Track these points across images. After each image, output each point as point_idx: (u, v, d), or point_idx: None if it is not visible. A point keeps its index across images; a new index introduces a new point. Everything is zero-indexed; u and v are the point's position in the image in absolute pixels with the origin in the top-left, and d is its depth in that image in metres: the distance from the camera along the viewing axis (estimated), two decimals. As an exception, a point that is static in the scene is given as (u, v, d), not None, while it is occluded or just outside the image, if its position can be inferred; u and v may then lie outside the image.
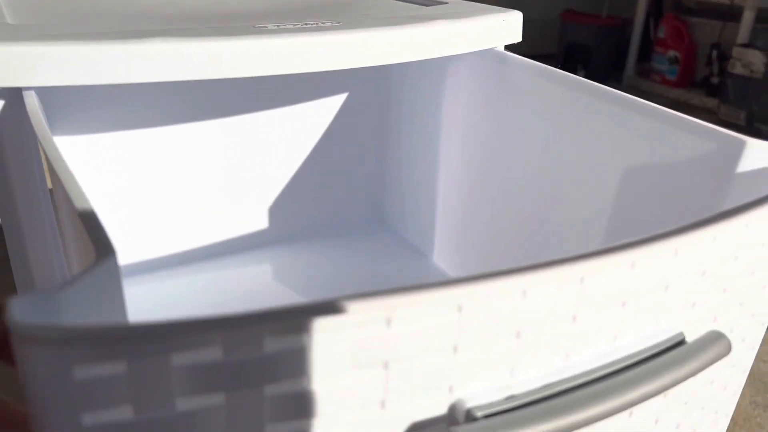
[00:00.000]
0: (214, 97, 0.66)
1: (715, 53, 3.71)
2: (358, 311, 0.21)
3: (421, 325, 0.22)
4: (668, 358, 0.27)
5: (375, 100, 0.74)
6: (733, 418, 1.28)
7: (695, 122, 0.39)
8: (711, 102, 3.52)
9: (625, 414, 0.30)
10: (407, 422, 0.24)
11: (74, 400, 0.19)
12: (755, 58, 3.16)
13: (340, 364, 0.22)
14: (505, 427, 0.23)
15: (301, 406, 0.22)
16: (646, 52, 4.13)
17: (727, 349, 0.28)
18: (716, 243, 0.28)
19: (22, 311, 0.17)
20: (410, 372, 0.23)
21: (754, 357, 0.39)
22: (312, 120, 0.72)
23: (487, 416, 0.24)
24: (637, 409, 0.30)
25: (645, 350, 0.27)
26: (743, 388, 1.19)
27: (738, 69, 3.24)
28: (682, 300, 0.29)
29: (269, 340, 0.20)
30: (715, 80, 3.69)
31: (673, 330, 0.29)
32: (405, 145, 0.74)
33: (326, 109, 0.72)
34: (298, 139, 0.73)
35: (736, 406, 1.22)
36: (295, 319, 0.20)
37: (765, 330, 0.38)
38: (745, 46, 3.27)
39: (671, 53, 3.78)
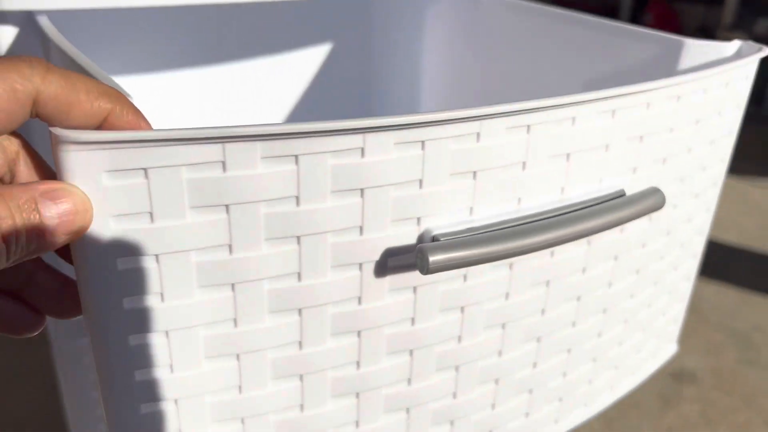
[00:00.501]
0: (205, 44, 0.69)
1: (700, 37, 3.73)
2: (336, 140, 0.25)
3: (390, 156, 0.26)
4: (609, 205, 0.31)
5: (358, 45, 0.78)
6: (718, 374, 1.32)
7: (642, 31, 0.43)
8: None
9: (581, 259, 0.34)
10: (382, 248, 0.28)
11: (105, 204, 0.23)
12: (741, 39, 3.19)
13: (323, 188, 0.26)
14: (465, 246, 0.27)
15: (291, 225, 0.26)
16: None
17: (662, 202, 0.32)
18: (650, 111, 0.32)
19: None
20: (383, 201, 0.27)
21: (693, 232, 0.43)
22: (298, 68, 0.76)
23: (449, 239, 0.28)
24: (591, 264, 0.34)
25: (588, 201, 0.32)
26: (729, 348, 1.22)
27: (724, 54, 3.27)
28: (623, 162, 0.33)
29: (262, 162, 0.24)
30: (702, 66, 3.72)
31: (615, 187, 0.33)
32: (389, 89, 0.78)
33: (311, 56, 0.76)
34: (285, 87, 0.76)
35: (722, 365, 1.25)
36: (286, 141, 0.24)
37: (706, 211, 0.42)
38: (729, 29, 3.31)
39: (659, 40, 3.81)
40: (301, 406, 0.30)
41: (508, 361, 0.35)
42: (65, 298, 0.26)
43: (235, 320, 0.27)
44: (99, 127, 0.23)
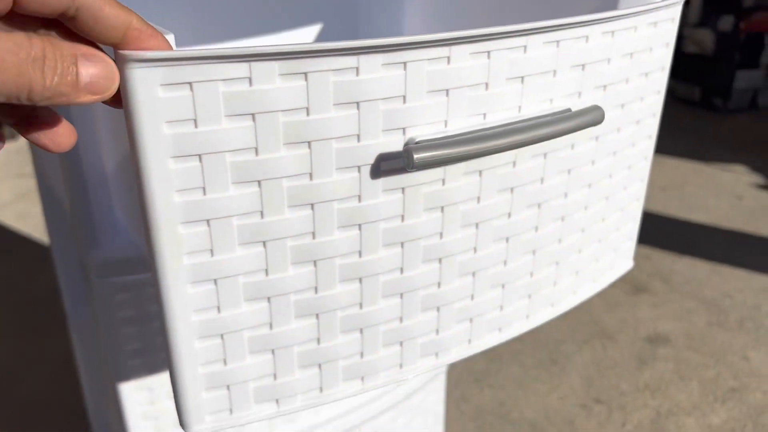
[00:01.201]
0: (193, 29, 0.74)
1: (668, 35, 3.81)
2: (337, 60, 0.31)
3: (379, 75, 0.32)
4: (557, 117, 0.37)
5: (343, 32, 0.83)
6: (690, 336, 1.39)
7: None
8: (669, 83, 3.65)
9: (540, 159, 0.40)
10: (375, 153, 0.34)
11: (160, 112, 0.29)
12: (705, 36, 3.28)
13: (327, 101, 0.32)
14: (442, 147, 0.33)
15: (303, 131, 0.32)
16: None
17: (602, 117, 0.39)
18: (589, 43, 0.39)
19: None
20: (374, 113, 0.33)
21: (638, 157, 0.49)
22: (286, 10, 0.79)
23: (430, 142, 0.34)
24: (549, 160, 0.41)
25: (541, 116, 0.38)
26: (700, 313, 1.30)
27: (690, 48, 3.37)
28: (569, 87, 0.39)
29: (279, 78, 0.30)
30: (670, 60, 3.80)
31: (563, 107, 0.39)
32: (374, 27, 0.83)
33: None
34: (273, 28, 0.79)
35: (693, 327, 1.33)
36: (298, 60, 0.30)
37: (648, 138, 0.49)
38: (695, 26, 3.39)
39: (628, 38, 3.90)
40: (315, 288, 0.36)
41: (482, 257, 0.41)
42: (61, 133, 0.29)
43: (261, 212, 0.33)
44: (122, 39, 0.27)
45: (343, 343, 0.39)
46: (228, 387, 0.36)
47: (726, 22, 3.24)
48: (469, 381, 1.30)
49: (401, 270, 0.39)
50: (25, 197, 2.18)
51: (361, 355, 0.40)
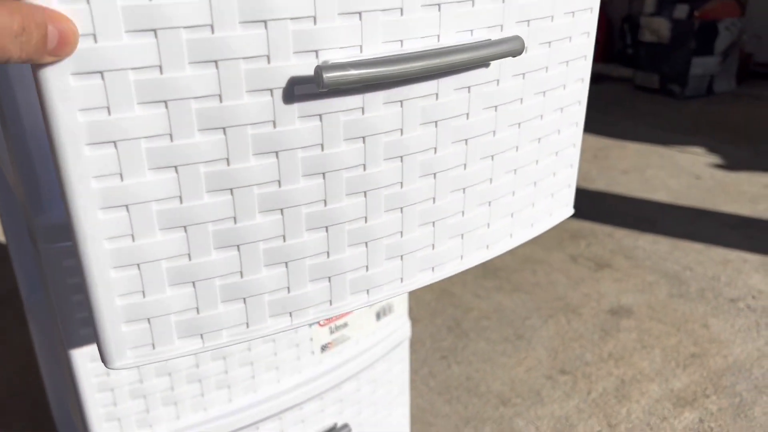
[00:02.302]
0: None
1: (627, 26, 3.88)
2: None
3: None
4: (476, 44, 0.37)
5: None
6: (652, 307, 1.40)
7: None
8: (627, 71, 3.70)
9: (464, 93, 0.40)
10: (287, 76, 0.33)
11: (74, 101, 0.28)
12: (661, 25, 3.33)
13: (232, 18, 0.31)
14: (354, 67, 0.33)
15: (208, 50, 0.31)
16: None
17: (521, 47, 0.38)
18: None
19: None
20: (283, 33, 0.32)
21: (571, 100, 0.49)
22: None
23: (342, 62, 0.33)
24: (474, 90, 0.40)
25: (460, 44, 0.37)
26: (662, 286, 1.31)
27: (647, 37, 3.41)
28: (490, 18, 0.39)
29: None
30: (629, 51, 3.87)
31: (483, 37, 0.39)
32: None
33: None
34: None
35: (655, 299, 1.34)
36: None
37: (581, 81, 0.48)
38: (651, 15, 3.43)
39: (588, 30, 3.93)
40: (234, 218, 0.35)
41: (408, 191, 0.40)
42: None
43: (170, 135, 0.32)
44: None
45: (267, 276, 0.37)
46: (149, 320, 0.35)
47: (681, 11, 3.28)
48: (436, 358, 1.29)
49: (324, 202, 0.37)
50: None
51: (288, 289, 0.39)
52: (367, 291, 0.42)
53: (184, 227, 0.34)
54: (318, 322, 0.75)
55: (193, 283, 0.35)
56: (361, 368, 0.82)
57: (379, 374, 0.86)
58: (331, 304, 0.41)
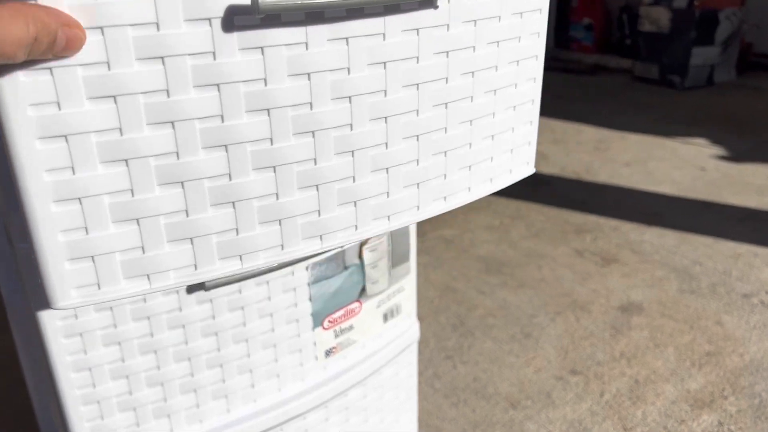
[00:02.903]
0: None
1: (625, 16, 3.85)
2: None
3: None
4: None
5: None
6: (663, 303, 1.36)
7: None
8: (626, 62, 3.67)
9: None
10: (225, 5, 0.33)
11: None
12: (661, 14, 3.30)
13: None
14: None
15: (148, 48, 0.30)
16: (564, 23, 4.25)
17: None
18: None
19: None
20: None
21: (528, 54, 0.48)
22: None
23: None
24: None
25: None
26: (672, 281, 1.26)
27: (647, 26, 3.38)
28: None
29: None
30: (628, 41, 3.84)
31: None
32: None
33: None
34: None
35: (665, 295, 1.30)
36: None
37: (537, 36, 0.47)
38: (650, 4, 3.40)
39: (586, 20, 3.92)
40: (176, 154, 0.35)
41: (358, 135, 0.40)
42: None
43: (107, 63, 0.31)
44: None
45: (214, 216, 0.37)
46: (93, 258, 0.35)
47: (681, 0, 3.24)
48: (441, 358, 1.24)
49: (271, 141, 0.37)
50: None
51: (237, 231, 0.38)
52: (320, 237, 0.42)
53: (126, 161, 0.34)
54: (321, 325, 0.70)
55: (137, 220, 0.35)
56: (368, 373, 0.77)
57: (386, 379, 0.81)
58: (282, 248, 0.41)
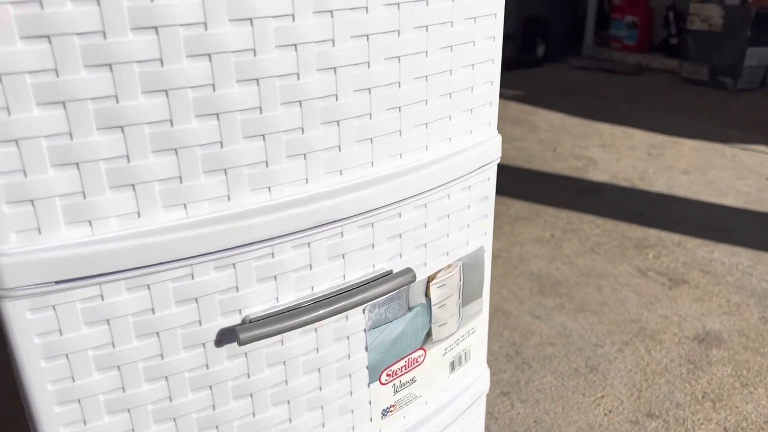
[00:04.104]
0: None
1: (671, 14, 3.70)
2: None
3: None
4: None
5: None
6: (744, 334, 1.20)
7: None
8: (672, 63, 3.51)
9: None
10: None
11: None
12: (713, 12, 3.16)
13: None
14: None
15: None
16: (604, 20, 4.12)
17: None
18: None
19: None
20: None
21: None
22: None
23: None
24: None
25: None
26: (751, 307, 1.11)
27: (697, 25, 3.24)
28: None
29: None
30: (674, 41, 3.68)
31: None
32: None
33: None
34: None
35: (746, 324, 1.14)
36: None
37: None
38: (701, 1, 3.26)
39: (629, 18, 3.77)
40: (116, 98, 0.35)
41: (306, 84, 0.40)
42: None
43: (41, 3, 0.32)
44: None
45: (156, 163, 0.38)
46: (32, 203, 0.36)
47: (734, -2, 3.10)
48: (496, 394, 1.10)
49: (213, 87, 0.38)
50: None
51: (180, 179, 0.39)
52: (269, 189, 0.42)
53: (63, 103, 0.35)
54: (379, 379, 0.57)
55: (77, 164, 0.36)
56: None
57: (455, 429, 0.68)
58: (229, 199, 0.41)
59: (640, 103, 2.91)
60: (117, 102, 0.36)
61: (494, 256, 1.56)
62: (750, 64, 3.08)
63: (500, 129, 2.56)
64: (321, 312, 0.43)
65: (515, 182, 2.02)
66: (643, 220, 1.74)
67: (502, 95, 3.04)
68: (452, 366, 0.63)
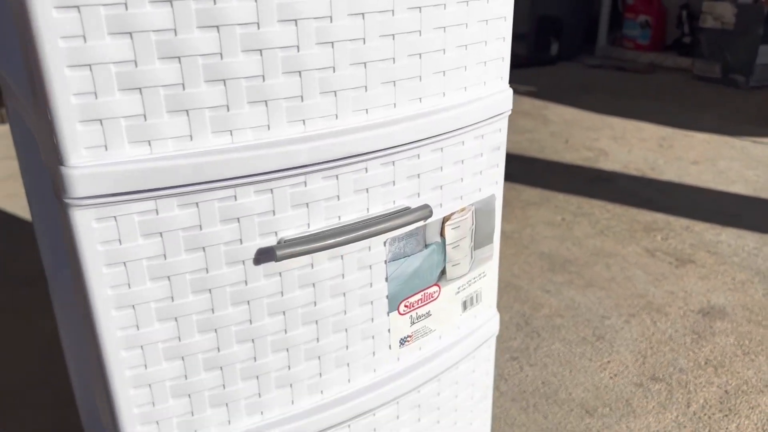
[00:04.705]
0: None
1: (684, 13, 3.71)
2: None
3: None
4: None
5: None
6: (749, 308, 1.24)
7: None
8: (685, 61, 3.53)
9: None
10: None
11: None
12: (726, 10, 3.17)
13: None
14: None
15: None
16: (617, 20, 4.13)
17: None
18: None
19: None
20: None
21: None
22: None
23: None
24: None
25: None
26: (756, 284, 1.15)
27: (709, 23, 3.26)
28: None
29: None
30: (687, 40, 3.70)
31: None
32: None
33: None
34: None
35: (751, 300, 1.18)
36: None
37: None
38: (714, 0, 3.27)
39: (642, 18, 3.79)
40: (174, 31, 0.41)
41: (337, 27, 0.45)
42: None
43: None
44: None
45: (207, 92, 0.43)
46: (101, 122, 0.41)
47: (749, -5, 3.10)
48: (506, 359, 1.15)
49: (258, 25, 0.42)
50: (14, 178, 2.04)
51: (227, 108, 0.44)
52: (303, 122, 0.47)
53: (130, 34, 0.39)
54: (397, 309, 0.62)
55: (140, 89, 0.41)
56: (444, 368, 0.69)
57: (462, 375, 0.73)
58: (269, 128, 0.46)
59: (652, 99, 2.95)
60: (175, 35, 0.41)
61: (506, 237, 1.61)
62: (762, 61, 3.09)
63: (512, 121, 2.60)
64: (347, 236, 0.49)
65: (526, 171, 2.07)
66: (653, 206, 1.78)
67: (515, 91, 3.08)
68: (464, 305, 0.68)
